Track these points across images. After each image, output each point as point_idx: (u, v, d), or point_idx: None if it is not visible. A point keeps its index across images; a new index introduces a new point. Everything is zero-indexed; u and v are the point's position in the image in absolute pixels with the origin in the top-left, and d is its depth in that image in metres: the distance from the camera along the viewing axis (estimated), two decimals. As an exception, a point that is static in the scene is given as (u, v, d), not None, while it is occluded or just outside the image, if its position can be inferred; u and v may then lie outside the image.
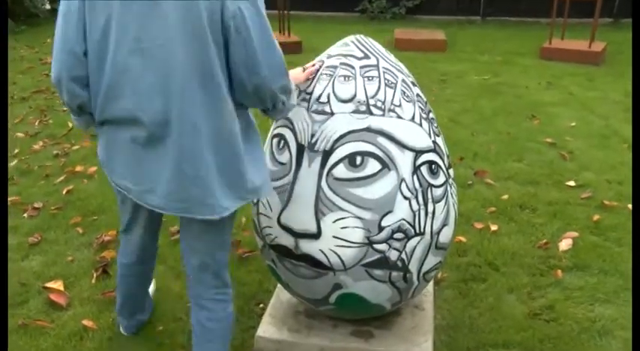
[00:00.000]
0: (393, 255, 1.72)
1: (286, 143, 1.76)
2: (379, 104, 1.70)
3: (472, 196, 3.04)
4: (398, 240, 1.71)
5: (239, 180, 1.51)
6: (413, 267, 1.78)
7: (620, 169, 3.40)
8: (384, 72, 1.74)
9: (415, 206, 1.72)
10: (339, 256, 1.70)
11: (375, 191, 1.67)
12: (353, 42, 1.80)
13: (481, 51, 6.47)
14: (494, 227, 2.76)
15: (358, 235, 1.68)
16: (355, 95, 1.70)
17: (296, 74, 1.73)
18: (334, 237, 1.69)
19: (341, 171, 1.67)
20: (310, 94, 1.75)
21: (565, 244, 2.61)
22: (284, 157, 1.76)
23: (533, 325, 2.11)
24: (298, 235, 1.73)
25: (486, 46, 6.69)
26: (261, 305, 2.25)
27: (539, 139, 3.85)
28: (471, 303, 2.25)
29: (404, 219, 1.70)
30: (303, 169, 1.71)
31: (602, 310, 2.18)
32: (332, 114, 1.69)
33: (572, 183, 3.23)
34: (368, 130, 1.68)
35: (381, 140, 1.68)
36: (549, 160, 3.54)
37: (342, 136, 1.68)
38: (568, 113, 4.38)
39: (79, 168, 3.52)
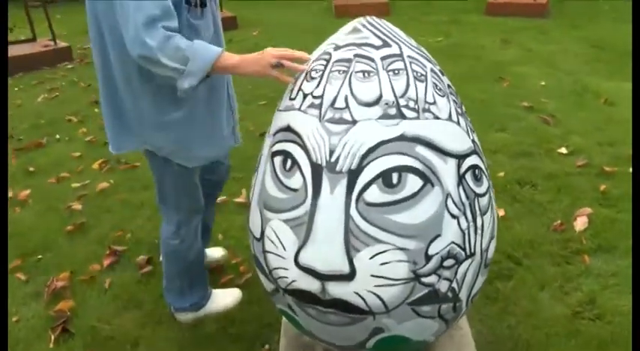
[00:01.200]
0: (444, 286, 1.40)
1: (295, 163, 1.38)
2: (411, 104, 1.34)
3: (467, 178, 2.77)
4: (448, 268, 1.39)
5: (128, 129, 1.67)
6: (463, 294, 1.47)
7: (606, 129, 3.24)
8: (410, 62, 1.39)
9: (464, 224, 1.40)
10: (379, 298, 1.36)
11: (418, 214, 1.33)
12: (365, 26, 1.42)
13: (425, 11, 6.19)
14: (501, 212, 2.50)
15: (402, 270, 1.35)
16: (381, 95, 1.33)
17: (252, 60, 1.49)
18: (372, 276, 1.35)
19: (374, 194, 1.31)
20: (320, 97, 1.37)
21: (581, 223, 2.40)
22: (295, 182, 1.38)
23: (580, 328, 1.87)
24: (325, 278, 1.37)
25: (429, 6, 6.41)
26: (267, 346, 1.89)
27: (515, 104, 3.63)
28: (504, 309, 1.98)
29: (453, 242, 1.38)
30: (324, 195, 1.34)
31: (647, 299, 1.97)
32: (354, 122, 1.32)
33: (563, 150, 3.02)
34: (402, 138, 1.32)
35: (420, 149, 1.33)
36: (533, 127, 3.32)
37: (371, 150, 1.31)
38: (534, 71, 4.19)
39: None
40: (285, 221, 1.40)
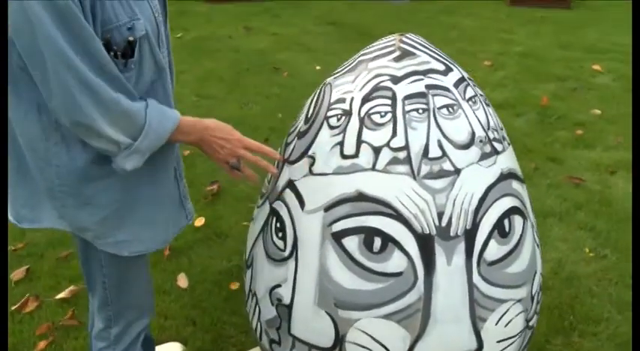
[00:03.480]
0: (534, 321, 1.28)
1: (391, 241, 1.04)
2: (496, 135, 1.14)
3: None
4: (539, 301, 1.27)
5: (36, 196, 1.15)
6: (530, 319, 1.38)
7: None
8: (473, 85, 1.16)
9: (539, 249, 1.29)
10: (499, 362, 1.17)
11: (524, 257, 1.17)
12: (415, 47, 1.12)
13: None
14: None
15: (520, 323, 1.18)
16: (473, 132, 1.09)
17: (210, 145, 1.12)
18: (498, 341, 1.14)
19: (493, 250, 1.09)
20: (405, 148, 1.04)
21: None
22: (394, 265, 1.04)
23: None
24: (447, 365, 1.10)
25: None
26: None
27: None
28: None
29: (540, 273, 1.26)
30: (441, 269, 1.05)
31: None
32: (457, 172, 1.05)
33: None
34: (502, 177, 1.12)
35: (515, 185, 1.15)
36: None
37: (482, 200, 1.07)
38: (300, 57, 4.20)
39: None
40: (387, 317, 1.07)
